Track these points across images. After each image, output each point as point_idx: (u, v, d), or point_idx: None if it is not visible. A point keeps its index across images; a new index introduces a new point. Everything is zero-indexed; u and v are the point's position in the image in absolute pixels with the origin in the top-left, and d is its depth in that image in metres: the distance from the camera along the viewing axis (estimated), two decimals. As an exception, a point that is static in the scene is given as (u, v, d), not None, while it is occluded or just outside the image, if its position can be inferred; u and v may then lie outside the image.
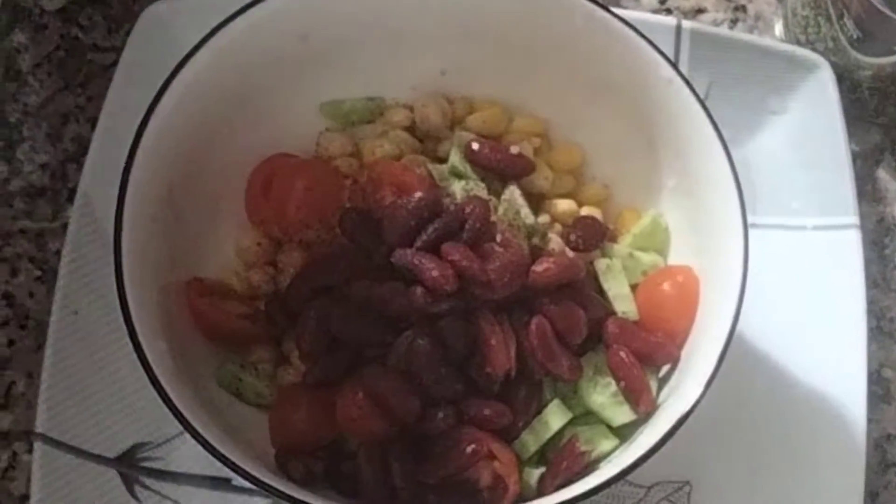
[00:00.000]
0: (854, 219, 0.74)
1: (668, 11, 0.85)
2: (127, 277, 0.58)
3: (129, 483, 0.68)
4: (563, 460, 0.63)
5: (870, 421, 0.70)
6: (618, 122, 0.70)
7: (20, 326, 0.75)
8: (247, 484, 0.56)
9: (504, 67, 0.71)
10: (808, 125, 0.76)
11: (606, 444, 0.64)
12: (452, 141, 0.71)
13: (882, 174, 0.81)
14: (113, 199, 0.59)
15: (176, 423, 0.56)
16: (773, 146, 0.76)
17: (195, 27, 0.64)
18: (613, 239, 0.70)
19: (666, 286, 0.66)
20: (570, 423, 0.64)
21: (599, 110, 0.71)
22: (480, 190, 0.68)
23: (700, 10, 0.86)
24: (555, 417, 0.64)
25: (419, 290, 0.62)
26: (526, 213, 0.69)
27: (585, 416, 0.65)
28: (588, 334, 0.65)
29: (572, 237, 0.68)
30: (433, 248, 0.63)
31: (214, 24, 0.63)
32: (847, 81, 0.80)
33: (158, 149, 0.61)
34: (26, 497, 0.68)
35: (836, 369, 0.71)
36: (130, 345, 0.57)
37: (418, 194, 0.66)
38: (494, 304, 0.63)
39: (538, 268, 0.64)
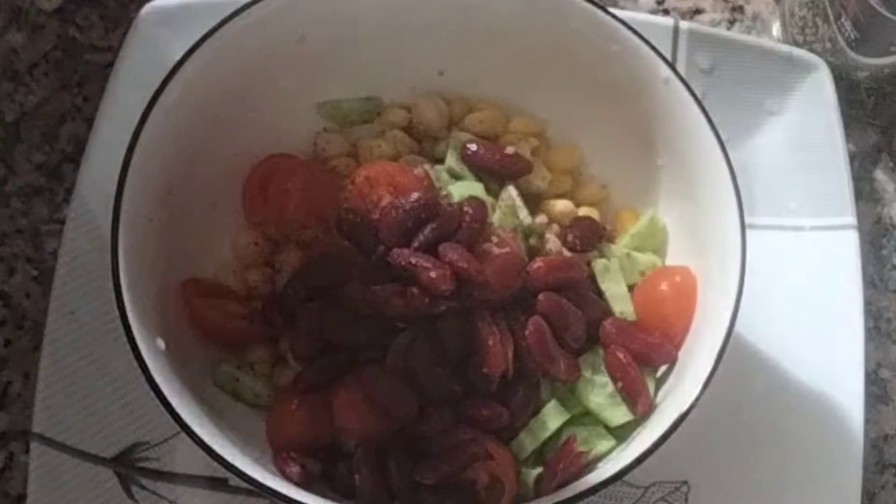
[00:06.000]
0: (851, 219, 0.74)
1: (666, 12, 0.85)
2: (123, 277, 0.58)
3: (125, 483, 0.68)
4: (560, 460, 0.63)
5: (867, 421, 0.70)
6: (615, 123, 0.70)
7: (17, 326, 0.75)
8: (244, 484, 0.56)
9: (502, 68, 0.71)
10: (805, 126, 0.76)
11: (604, 444, 0.64)
12: (450, 141, 0.71)
13: (879, 175, 0.81)
14: (110, 200, 0.59)
15: (173, 423, 0.56)
16: (770, 147, 0.76)
17: (192, 27, 0.63)
18: (611, 239, 0.70)
19: (663, 286, 0.66)
20: (568, 423, 0.64)
21: (597, 111, 0.70)
22: (478, 190, 0.68)
23: (698, 11, 0.86)
24: (552, 418, 0.64)
25: (416, 290, 0.62)
26: (523, 213, 0.69)
27: (583, 417, 0.65)
28: (585, 335, 0.65)
29: (569, 237, 0.68)
30: (430, 249, 0.63)
31: (212, 24, 0.63)
32: (845, 82, 0.80)
33: (156, 149, 0.61)
34: (23, 497, 0.68)
35: (834, 369, 0.71)
36: (127, 345, 0.57)
37: (415, 195, 0.66)
38: (492, 304, 0.63)
39: (531, 267, 0.64)
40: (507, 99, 0.73)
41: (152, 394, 0.56)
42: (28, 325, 0.75)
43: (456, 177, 0.70)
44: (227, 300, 0.68)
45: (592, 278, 0.67)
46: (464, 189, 0.68)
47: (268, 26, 0.65)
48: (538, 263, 0.65)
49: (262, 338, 0.68)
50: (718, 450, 0.69)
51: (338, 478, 0.64)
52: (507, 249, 0.65)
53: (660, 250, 0.70)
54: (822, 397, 0.70)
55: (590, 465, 0.63)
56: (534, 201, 0.71)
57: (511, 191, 0.69)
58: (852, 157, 0.77)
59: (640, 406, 0.63)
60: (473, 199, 0.67)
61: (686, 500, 0.70)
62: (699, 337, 0.63)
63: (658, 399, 0.64)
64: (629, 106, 0.68)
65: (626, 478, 0.57)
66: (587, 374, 0.65)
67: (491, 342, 0.62)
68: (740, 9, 0.86)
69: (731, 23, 0.85)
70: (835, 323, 0.72)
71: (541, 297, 0.64)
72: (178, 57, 0.62)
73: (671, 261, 0.69)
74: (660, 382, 0.65)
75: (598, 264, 0.67)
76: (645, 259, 0.68)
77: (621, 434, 0.64)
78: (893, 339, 0.77)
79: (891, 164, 0.81)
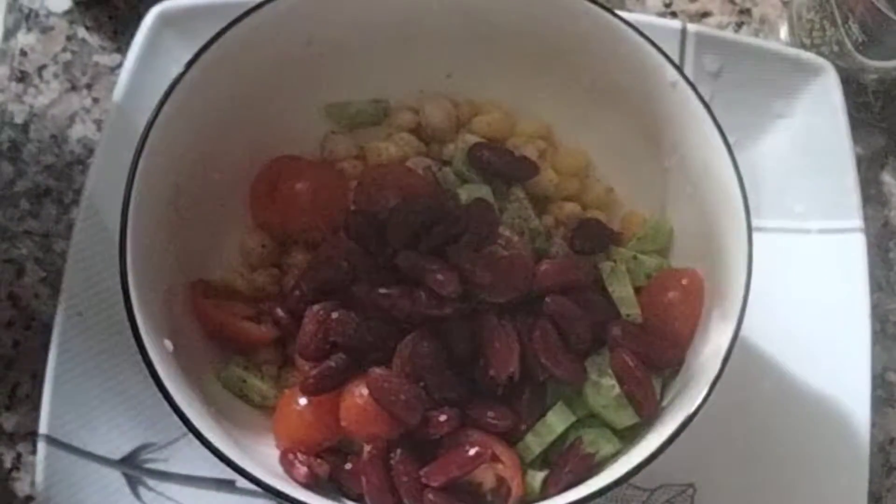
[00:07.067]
0: (858, 222, 0.74)
1: (674, 15, 0.85)
2: (131, 279, 0.58)
3: (133, 484, 0.68)
4: (566, 463, 0.63)
5: (873, 424, 0.70)
6: (622, 125, 0.70)
7: (25, 327, 0.75)
8: (251, 486, 0.56)
9: (509, 70, 0.71)
10: (812, 129, 0.76)
11: (610, 446, 0.64)
12: (457, 144, 0.71)
13: (887, 178, 0.81)
14: (118, 201, 0.59)
15: (180, 424, 0.56)
16: (777, 149, 0.76)
17: (201, 29, 0.64)
18: (618, 242, 0.70)
19: (670, 289, 0.66)
20: (574, 425, 0.64)
21: (604, 113, 0.70)
22: (485, 193, 0.69)
23: (705, 14, 0.85)
24: (558, 420, 0.64)
25: (423, 293, 0.62)
26: (530, 215, 0.69)
27: (589, 419, 0.65)
28: (592, 337, 0.65)
29: (576, 240, 0.68)
30: (437, 251, 0.63)
31: (221, 25, 0.63)
32: (852, 85, 0.80)
33: (164, 151, 0.61)
34: (31, 498, 0.68)
35: (840, 372, 0.71)
36: (135, 346, 0.57)
37: (423, 197, 0.66)
38: (498, 306, 0.64)
39: (538, 269, 0.64)
40: (515, 101, 0.73)
41: (160, 395, 0.57)
42: (36, 326, 0.75)
43: (463, 179, 0.70)
44: (234, 301, 0.68)
45: (599, 281, 0.67)
46: (471, 191, 0.68)
47: (276, 28, 0.65)
48: (545, 266, 0.65)
49: (270, 339, 0.68)
50: (725, 453, 0.70)
51: (344, 479, 0.64)
52: (514, 252, 0.66)
53: (666, 253, 0.70)
54: (828, 400, 0.70)
55: (596, 468, 0.63)
56: (541, 204, 0.71)
57: (518, 193, 0.69)
58: (859, 161, 0.77)
59: (647, 408, 0.63)
60: (481, 202, 0.67)
61: (692, 502, 0.70)
62: (705, 339, 0.63)
63: (664, 401, 0.64)
64: (636, 109, 0.68)
65: (632, 480, 0.57)
66: (593, 376, 0.65)
67: (497, 344, 0.62)
68: (748, 12, 0.86)
69: (739, 26, 0.85)
70: (841, 326, 0.71)
71: (547, 299, 0.64)
72: (186, 59, 0.62)
73: (678, 263, 0.69)
74: (666, 385, 0.65)
75: (605, 267, 0.67)
76: (651, 262, 0.68)
77: (627, 436, 0.64)
78: (900, 342, 0.78)
79: (898, 167, 0.82)
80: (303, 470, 0.62)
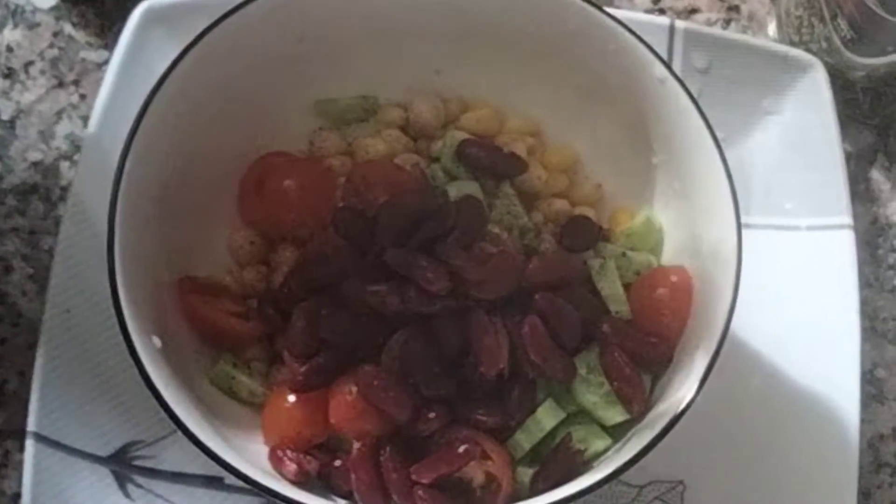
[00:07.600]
0: (847, 219, 0.73)
1: (662, 11, 0.85)
2: (119, 276, 0.58)
3: (121, 481, 0.68)
4: (556, 459, 0.63)
5: (863, 421, 0.70)
6: (611, 122, 0.70)
7: (12, 324, 0.74)
8: (239, 483, 0.56)
9: (498, 67, 0.71)
10: (801, 125, 0.76)
11: (600, 443, 0.64)
12: (446, 140, 0.71)
13: (875, 175, 0.81)
14: (106, 198, 0.59)
15: (168, 421, 0.56)
16: (766, 146, 0.76)
17: (189, 24, 0.63)
18: (607, 239, 0.70)
19: (659, 286, 0.66)
20: (564, 422, 0.64)
21: (593, 110, 0.70)
22: (474, 189, 0.68)
23: (693, 10, 0.85)
24: (548, 417, 0.64)
25: (412, 289, 0.62)
26: (519, 212, 0.69)
27: (579, 416, 0.65)
28: (581, 334, 0.65)
29: (565, 237, 0.68)
30: (426, 248, 0.63)
31: (208, 21, 0.63)
32: (840, 82, 0.80)
33: (152, 147, 0.61)
34: (18, 496, 0.68)
35: (830, 369, 0.71)
36: (123, 343, 0.57)
37: (411, 194, 0.66)
38: (487, 303, 0.63)
39: (527, 266, 0.64)
40: (503, 98, 0.73)
41: (148, 392, 0.56)
42: (24, 323, 0.74)
43: (452, 176, 0.70)
44: (222, 298, 0.68)
45: (588, 278, 0.67)
46: (460, 188, 0.68)
47: (264, 24, 0.65)
48: (534, 262, 0.65)
49: (258, 336, 0.68)
50: (714, 449, 0.69)
51: (334, 476, 0.64)
52: (503, 248, 0.65)
53: (655, 250, 0.70)
54: (818, 397, 0.70)
55: (585, 464, 0.63)
56: (530, 200, 0.71)
57: (507, 190, 0.69)
58: (848, 157, 0.77)
59: (636, 406, 0.63)
60: (469, 198, 0.67)
61: (682, 499, 0.70)
62: (695, 336, 0.63)
63: (654, 399, 0.64)
64: (625, 105, 0.68)
65: (621, 477, 0.57)
66: (583, 373, 0.65)
67: (487, 341, 0.62)
68: (736, 8, 0.85)
69: (727, 22, 0.85)
70: (831, 323, 0.71)
71: (537, 296, 0.64)
72: (174, 55, 0.62)
73: (667, 260, 0.69)
74: (655, 382, 0.65)
75: (594, 264, 0.67)
76: (641, 258, 0.68)
77: (617, 433, 0.64)
78: (889, 338, 0.77)
79: (887, 164, 0.81)
80: (292, 467, 0.62)
